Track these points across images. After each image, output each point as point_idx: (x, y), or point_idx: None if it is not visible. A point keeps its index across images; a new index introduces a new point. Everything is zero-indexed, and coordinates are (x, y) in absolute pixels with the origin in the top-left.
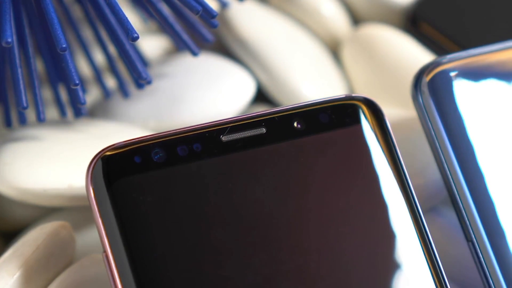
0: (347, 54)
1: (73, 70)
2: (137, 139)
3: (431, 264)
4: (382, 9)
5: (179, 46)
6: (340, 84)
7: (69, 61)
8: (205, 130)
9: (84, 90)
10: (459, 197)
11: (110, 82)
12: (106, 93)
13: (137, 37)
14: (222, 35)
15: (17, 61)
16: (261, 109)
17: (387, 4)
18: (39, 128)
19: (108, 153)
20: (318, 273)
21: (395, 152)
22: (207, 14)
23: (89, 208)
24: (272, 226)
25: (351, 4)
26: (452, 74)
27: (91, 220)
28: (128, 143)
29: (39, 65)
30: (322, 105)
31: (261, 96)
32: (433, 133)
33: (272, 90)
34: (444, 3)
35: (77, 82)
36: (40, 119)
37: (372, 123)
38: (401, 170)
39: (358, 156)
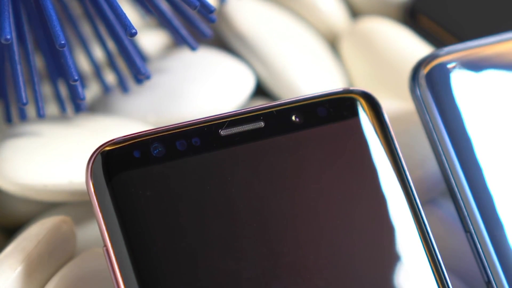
0: (345, 48)
1: (72, 66)
2: (136, 134)
3: (430, 255)
4: (380, 2)
5: (178, 41)
6: (339, 78)
7: (68, 57)
8: (203, 125)
9: (83, 86)
10: (457, 189)
11: (110, 77)
12: (106, 89)
13: (135, 33)
14: (220, 30)
15: (17, 57)
16: (260, 103)
17: None
18: (39, 124)
19: (107, 148)
20: (317, 265)
21: (393, 145)
22: (205, 9)
23: (89, 202)
24: (271, 220)
25: None
26: (450, 66)
27: (91, 215)
28: (128, 138)
29: (38, 61)
30: (320, 98)
31: (259, 90)
32: (431, 126)
33: (271, 84)
34: None
35: (76, 78)
36: (40, 115)
37: (370, 116)
38: (399, 162)
39: (357, 150)
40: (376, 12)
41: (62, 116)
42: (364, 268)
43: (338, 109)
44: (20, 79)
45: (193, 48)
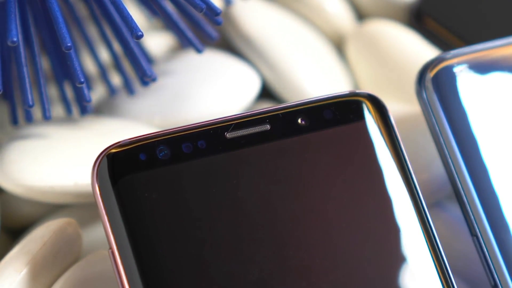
0: (351, 50)
1: (78, 68)
2: (142, 137)
3: (436, 258)
4: (386, 4)
5: (184, 43)
6: (345, 80)
7: (74, 60)
8: (209, 127)
9: (89, 88)
10: (464, 192)
11: (116, 79)
12: (112, 91)
13: (142, 36)
14: (226, 32)
15: (23, 59)
16: (266, 106)
17: None
18: (45, 126)
19: (113, 150)
20: (324, 268)
21: (399, 148)
22: (211, 12)
23: (95, 205)
24: (277, 222)
25: None
26: (456, 69)
27: (97, 217)
28: (133, 140)
29: (44, 63)
30: (326, 101)
31: (265, 92)
32: (437, 129)
33: (277, 86)
34: None
35: (82, 80)
36: (46, 117)
37: (376, 119)
38: (405, 165)
39: (363, 153)
40: (382, 15)
41: (68, 118)
42: (370, 271)
43: (344, 112)
44: (26, 81)
45: (199, 51)
